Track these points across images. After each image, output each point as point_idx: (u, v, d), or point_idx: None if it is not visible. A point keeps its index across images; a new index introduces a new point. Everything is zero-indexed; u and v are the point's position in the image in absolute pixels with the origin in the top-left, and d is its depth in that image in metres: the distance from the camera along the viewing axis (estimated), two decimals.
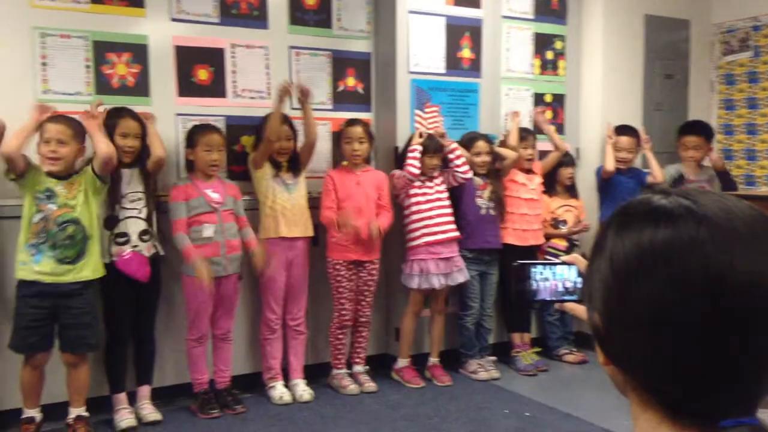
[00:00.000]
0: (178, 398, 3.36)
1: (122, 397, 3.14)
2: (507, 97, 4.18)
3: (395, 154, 3.80)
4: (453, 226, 3.70)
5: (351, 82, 3.91)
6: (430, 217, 3.65)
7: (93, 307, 2.92)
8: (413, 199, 3.66)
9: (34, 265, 2.80)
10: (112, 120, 3.06)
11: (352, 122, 3.62)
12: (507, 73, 4.18)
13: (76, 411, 2.94)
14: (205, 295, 3.19)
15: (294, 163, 3.49)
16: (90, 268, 2.90)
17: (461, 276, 3.71)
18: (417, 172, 3.57)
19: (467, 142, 3.81)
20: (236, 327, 3.46)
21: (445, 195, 3.72)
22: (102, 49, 3.25)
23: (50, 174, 2.86)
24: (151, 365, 3.26)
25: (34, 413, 2.89)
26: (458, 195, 3.79)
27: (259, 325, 3.50)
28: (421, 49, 3.86)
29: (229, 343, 3.38)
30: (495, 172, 3.86)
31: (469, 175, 3.71)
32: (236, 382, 3.41)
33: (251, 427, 3.13)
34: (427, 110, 3.88)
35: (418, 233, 3.64)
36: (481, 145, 3.79)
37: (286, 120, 3.46)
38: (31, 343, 2.82)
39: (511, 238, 3.92)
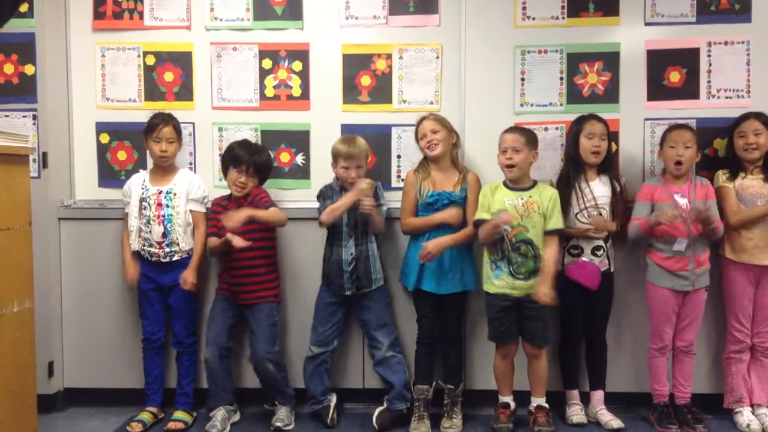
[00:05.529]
0: (634, 406, 3.35)
1: (575, 393, 3.28)
2: None
3: None
4: None
5: None
6: None
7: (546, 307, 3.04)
8: None
9: (495, 280, 3.08)
10: (578, 125, 3.19)
11: None
12: None
13: (537, 400, 3.15)
14: (670, 305, 3.11)
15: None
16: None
17: None
18: None
19: None
20: (699, 343, 3.27)
21: None
22: (575, 60, 3.37)
23: (506, 185, 3.10)
24: (604, 369, 3.29)
25: (509, 400, 3.18)
26: None
27: (724, 343, 3.27)
28: None
29: (692, 357, 3.21)
30: None
31: None
32: (696, 401, 3.24)
33: None
34: None
35: None
36: None
37: None
38: (500, 333, 3.12)
39: None
